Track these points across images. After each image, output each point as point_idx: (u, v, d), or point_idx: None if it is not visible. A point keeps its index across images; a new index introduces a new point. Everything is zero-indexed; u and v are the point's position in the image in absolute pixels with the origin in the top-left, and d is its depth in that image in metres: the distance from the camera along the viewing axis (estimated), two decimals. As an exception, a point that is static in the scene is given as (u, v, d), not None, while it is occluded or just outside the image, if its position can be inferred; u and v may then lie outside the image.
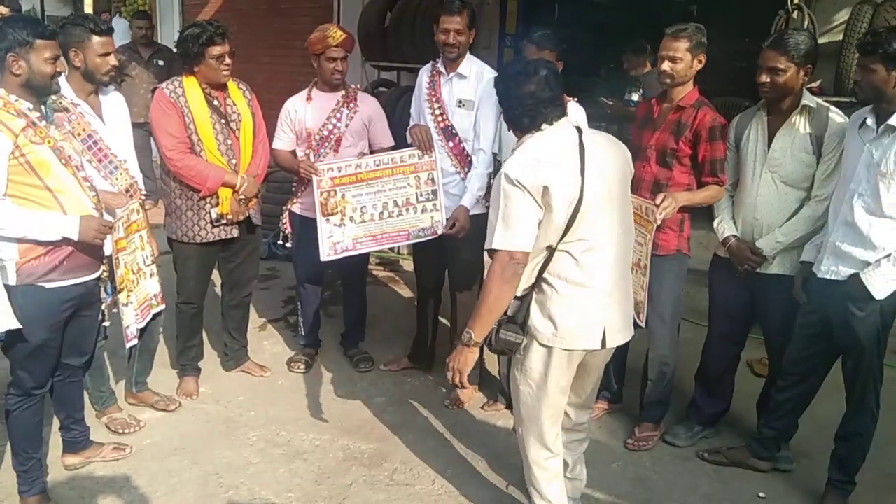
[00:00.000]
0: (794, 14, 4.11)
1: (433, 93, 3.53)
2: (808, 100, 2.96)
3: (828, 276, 2.76)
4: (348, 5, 7.03)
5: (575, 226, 2.24)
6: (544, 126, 2.32)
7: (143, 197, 3.22)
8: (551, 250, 2.28)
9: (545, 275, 2.31)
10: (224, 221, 3.44)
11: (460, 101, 3.46)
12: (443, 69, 3.51)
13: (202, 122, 3.34)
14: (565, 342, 2.33)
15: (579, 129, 2.36)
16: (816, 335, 2.87)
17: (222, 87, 3.43)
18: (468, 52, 3.50)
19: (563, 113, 2.36)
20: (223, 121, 3.40)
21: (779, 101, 2.97)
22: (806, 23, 4.07)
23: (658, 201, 2.87)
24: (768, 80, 2.90)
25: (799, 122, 2.95)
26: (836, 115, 2.93)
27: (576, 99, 3.26)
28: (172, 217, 3.47)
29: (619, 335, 2.41)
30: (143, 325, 3.15)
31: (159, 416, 3.47)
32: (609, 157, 2.36)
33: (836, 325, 2.77)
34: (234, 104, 3.46)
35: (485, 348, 2.40)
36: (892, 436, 3.31)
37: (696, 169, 3.11)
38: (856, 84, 2.77)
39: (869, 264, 2.64)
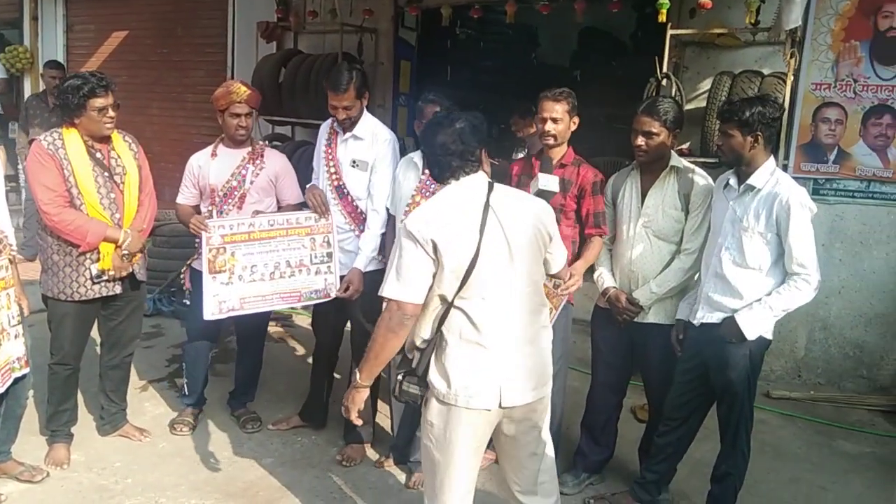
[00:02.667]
0: (664, 82, 4.44)
1: (329, 151, 3.56)
2: (676, 161, 3.19)
3: (703, 321, 2.95)
4: (242, 60, 7.03)
5: (470, 282, 2.22)
6: (451, 180, 2.32)
7: (13, 252, 3.04)
8: (447, 304, 2.26)
9: (442, 329, 2.28)
10: (105, 278, 3.29)
11: (354, 162, 3.49)
12: (339, 129, 3.54)
13: (83, 175, 3.21)
14: (459, 399, 2.26)
15: (491, 186, 2.33)
16: (693, 380, 3.03)
17: (106, 140, 3.32)
18: (365, 113, 3.54)
19: (475, 169, 2.33)
20: (106, 174, 3.29)
21: (651, 163, 3.18)
22: (674, 90, 4.41)
23: (567, 280, 2.95)
24: (643, 143, 3.10)
25: (668, 181, 3.16)
26: (700, 176, 3.17)
27: None
28: (49, 273, 3.29)
29: (519, 395, 2.31)
30: (1, 390, 2.93)
31: (23, 488, 3.20)
32: (517, 215, 2.32)
33: (711, 369, 2.94)
34: (119, 157, 3.35)
35: (382, 402, 2.33)
36: (760, 475, 3.51)
37: (578, 222, 3.27)
38: (718, 148, 3.02)
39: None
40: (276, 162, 3.75)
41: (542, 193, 3.02)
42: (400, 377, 2.35)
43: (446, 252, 2.20)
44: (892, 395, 4.50)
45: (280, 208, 3.72)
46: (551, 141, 3.22)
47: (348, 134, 3.50)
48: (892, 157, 4.45)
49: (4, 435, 3.22)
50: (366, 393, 2.36)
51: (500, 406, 2.29)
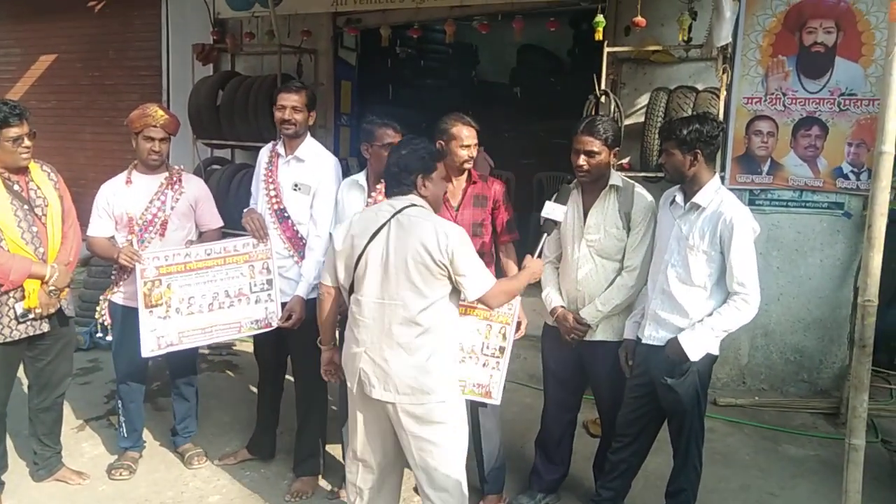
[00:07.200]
0: (603, 99, 4.51)
1: (270, 174, 3.48)
2: (615, 179, 3.19)
3: (650, 342, 2.97)
4: (178, 82, 6.88)
5: (356, 282, 2.66)
6: (390, 196, 2.70)
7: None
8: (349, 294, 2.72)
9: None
10: (32, 316, 3.14)
11: (296, 185, 3.42)
12: (281, 151, 3.47)
13: (1, 209, 3.05)
14: (343, 374, 2.80)
15: (408, 208, 2.62)
16: (644, 396, 3.04)
17: (23, 171, 3.17)
18: (308, 136, 3.49)
19: (405, 192, 2.67)
20: (26, 207, 3.14)
21: (592, 182, 3.16)
22: (612, 107, 4.47)
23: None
24: (585, 162, 3.08)
25: (608, 200, 3.16)
26: (641, 192, 3.18)
27: None
28: (-32, 316, 3.10)
29: (377, 391, 2.60)
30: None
31: (-50, 544, 3.02)
32: (405, 236, 2.57)
33: (659, 388, 2.95)
34: (39, 188, 3.21)
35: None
36: (712, 484, 3.55)
37: (494, 233, 3.34)
38: (662, 166, 3.05)
39: (683, 330, 2.87)
40: (194, 187, 3.64)
41: (546, 222, 3.02)
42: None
43: (340, 251, 2.68)
44: (833, 398, 4.63)
45: (200, 234, 3.61)
46: (470, 164, 3.25)
47: (290, 156, 3.43)
48: (822, 167, 4.60)
49: (-73, 488, 3.03)
50: (329, 353, 2.94)
51: (361, 392, 2.64)
